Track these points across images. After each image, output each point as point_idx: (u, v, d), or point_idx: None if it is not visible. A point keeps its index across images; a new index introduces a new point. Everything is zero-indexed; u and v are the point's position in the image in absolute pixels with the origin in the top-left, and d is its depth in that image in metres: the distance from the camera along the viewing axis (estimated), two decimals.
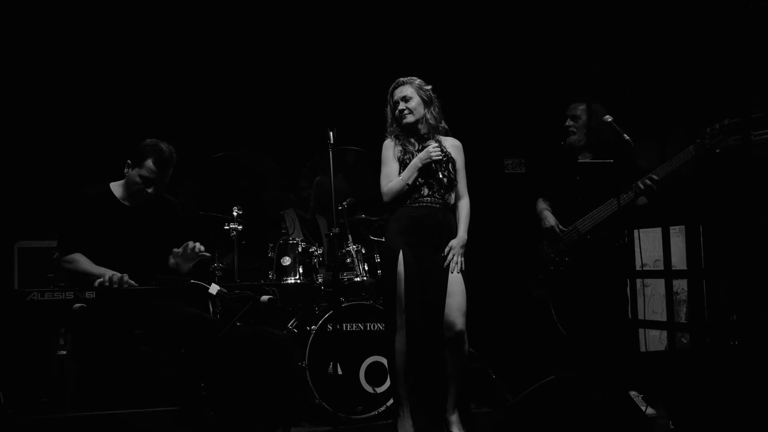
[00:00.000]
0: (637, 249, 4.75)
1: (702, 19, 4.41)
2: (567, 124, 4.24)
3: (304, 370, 3.94)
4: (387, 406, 3.96)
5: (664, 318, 5.06)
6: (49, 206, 4.61)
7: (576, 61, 5.04)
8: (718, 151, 3.77)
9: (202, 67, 5.12)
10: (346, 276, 4.35)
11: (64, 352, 3.08)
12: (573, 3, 4.89)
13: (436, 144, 3.57)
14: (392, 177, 3.57)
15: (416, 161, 3.52)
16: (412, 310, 3.38)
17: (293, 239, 4.47)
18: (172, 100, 5.08)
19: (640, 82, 4.89)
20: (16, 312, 2.94)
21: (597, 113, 4.11)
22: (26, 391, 3.61)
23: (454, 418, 3.45)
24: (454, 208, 3.64)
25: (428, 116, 3.63)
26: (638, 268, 4.99)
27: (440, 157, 3.53)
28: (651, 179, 3.86)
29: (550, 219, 4.15)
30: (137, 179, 3.40)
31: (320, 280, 4.41)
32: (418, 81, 3.65)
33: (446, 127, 3.72)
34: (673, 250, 4.96)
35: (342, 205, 4.43)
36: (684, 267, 4.91)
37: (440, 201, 3.56)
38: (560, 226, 4.11)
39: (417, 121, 3.63)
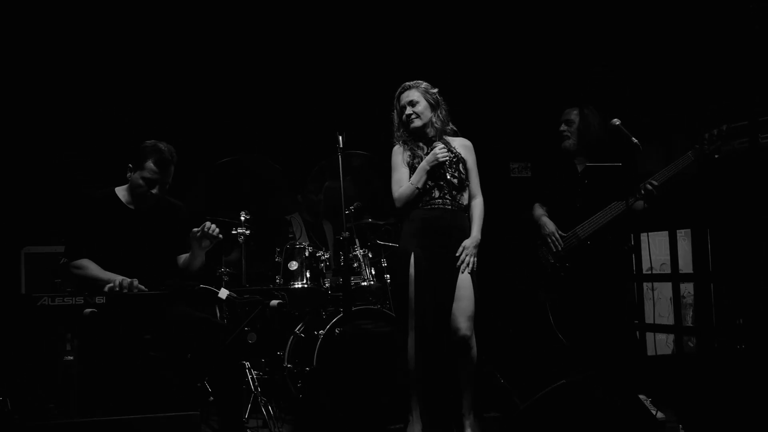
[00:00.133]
0: (646, 252, 4.75)
1: (702, 18, 4.42)
2: (561, 128, 4.22)
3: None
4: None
5: (670, 322, 5.05)
6: (55, 212, 4.62)
7: (581, 65, 5.05)
8: (717, 156, 3.77)
9: (211, 73, 5.13)
10: (353, 280, 4.34)
11: (71, 358, 3.07)
12: (573, 3, 4.90)
13: (443, 145, 3.56)
14: (403, 182, 3.57)
15: (424, 164, 3.52)
16: (422, 312, 3.38)
17: (300, 244, 4.47)
18: (179, 104, 5.09)
19: (640, 82, 4.89)
20: (27, 317, 2.94)
21: (591, 117, 4.11)
22: (33, 396, 3.61)
23: (469, 422, 3.44)
24: (468, 209, 3.64)
25: (435, 119, 3.63)
26: (646, 271, 4.99)
27: (447, 158, 3.52)
28: (651, 184, 3.85)
29: (549, 225, 4.13)
30: (140, 182, 3.40)
31: (327, 285, 4.41)
32: (424, 84, 3.65)
33: (455, 128, 3.71)
34: (678, 253, 4.96)
35: (349, 209, 4.43)
36: (689, 270, 4.90)
37: (452, 202, 3.56)
38: (560, 232, 4.10)
39: (424, 125, 3.63)
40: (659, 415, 3.75)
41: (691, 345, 4.96)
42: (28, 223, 4.70)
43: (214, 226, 3.38)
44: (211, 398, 3.63)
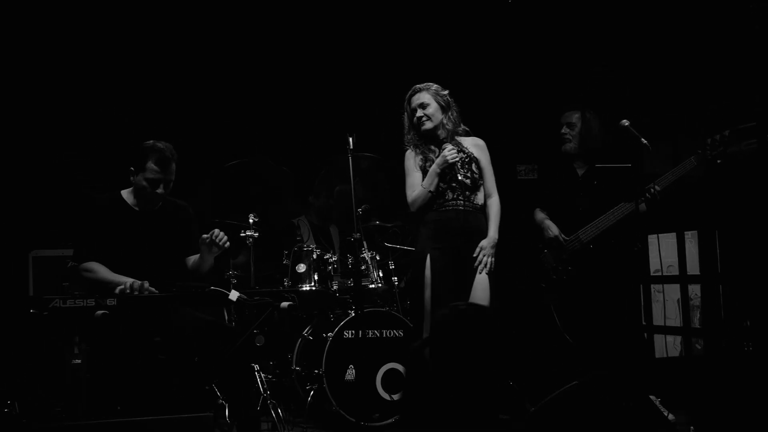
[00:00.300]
0: (656, 254, 4.74)
1: (702, 18, 4.42)
2: (563, 131, 4.21)
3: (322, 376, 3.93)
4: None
5: (677, 324, 5.04)
6: (62, 215, 4.61)
7: (581, 65, 5.05)
8: (719, 161, 3.76)
9: (218, 75, 5.14)
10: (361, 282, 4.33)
11: (79, 361, 3.07)
12: (574, 3, 4.90)
13: (452, 147, 3.55)
14: (416, 186, 3.57)
15: (434, 167, 3.52)
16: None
17: (308, 246, 4.47)
18: (187, 108, 5.09)
19: (640, 82, 4.89)
20: (38, 319, 2.93)
21: (592, 121, 4.11)
22: (41, 399, 3.60)
23: None
24: (484, 208, 3.63)
25: (446, 121, 3.62)
26: (655, 273, 4.99)
27: (456, 159, 3.51)
28: (654, 189, 3.83)
29: (553, 229, 4.12)
30: (144, 183, 3.40)
31: (335, 287, 4.40)
32: (434, 87, 3.65)
33: (467, 129, 3.71)
34: (686, 255, 4.95)
35: (357, 212, 4.43)
36: (695, 272, 4.90)
37: (466, 203, 3.55)
38: (563, 236, 4.09)
39: (435, 127, 3.63)
40: (670, 416, 3.74)
41: (699, 347, 4.95)
42: (35, 226, 4.70)
43: (222, 234, 3.35)
44: (221, 401, 3.62)
